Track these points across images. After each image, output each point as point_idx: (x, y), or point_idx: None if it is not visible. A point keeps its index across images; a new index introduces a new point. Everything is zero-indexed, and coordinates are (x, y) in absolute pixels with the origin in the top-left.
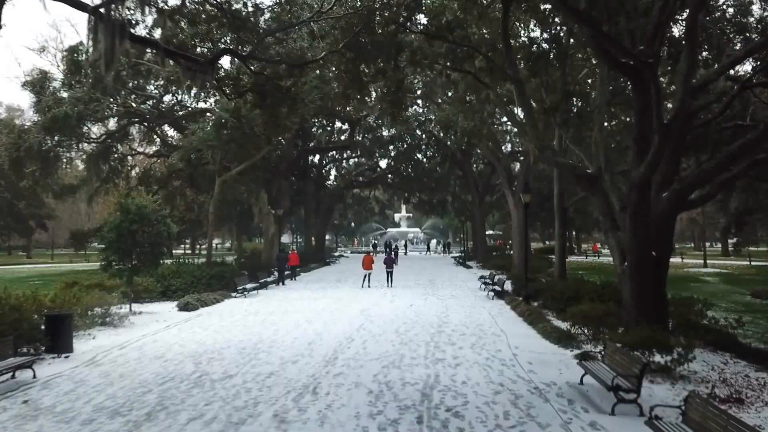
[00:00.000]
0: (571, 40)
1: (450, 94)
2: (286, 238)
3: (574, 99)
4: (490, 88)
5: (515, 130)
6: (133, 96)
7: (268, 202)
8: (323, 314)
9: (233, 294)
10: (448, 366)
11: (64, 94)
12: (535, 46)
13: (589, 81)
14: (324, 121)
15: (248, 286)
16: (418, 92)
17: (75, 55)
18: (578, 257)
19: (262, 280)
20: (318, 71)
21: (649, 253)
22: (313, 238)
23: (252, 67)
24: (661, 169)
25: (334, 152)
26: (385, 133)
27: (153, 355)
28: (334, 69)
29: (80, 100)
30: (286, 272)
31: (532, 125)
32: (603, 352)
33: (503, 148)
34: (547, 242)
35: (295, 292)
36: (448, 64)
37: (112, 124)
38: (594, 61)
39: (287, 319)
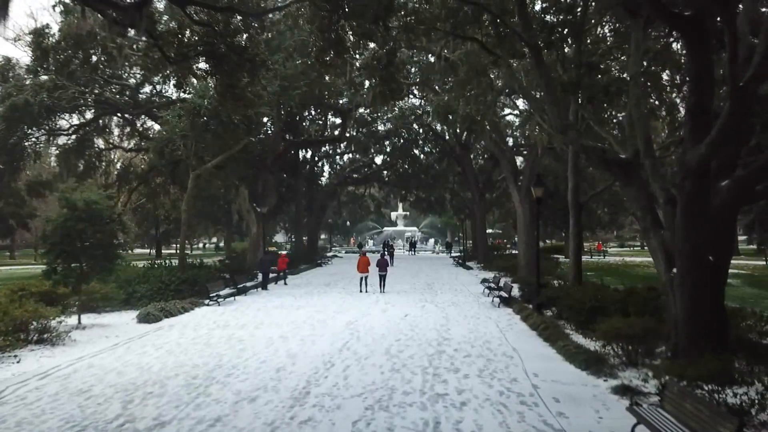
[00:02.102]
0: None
1: (450, 82)
2: (280, 238)
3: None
4: (500, 59)
5: (516, 123)
6: (104, 84)
7: (252, 198)
8: (303, 328)
9: (206, 302)
10: (452, 405)
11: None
12: (548, 15)
13: (601, 66)
14: (314, 113)
15: (223, 292)
16: (415, 78)
17: (41, 38)
18: (583, 257)
19: (241, 285)
20: (308, 61)
21: (706, 257)
22: (305, 238)
23: (198, 19)
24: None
25: (328, 147)
26: (380, 127)
27: (77, 389)
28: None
29: (43, 87)
30: (272, 275)
31: (552, 101)
32: (663, 394)
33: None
34: (548, 241)
35: (277, 298)
36: (449, 30)
37: (88, 115)
38: (609, 38)
39: (259, 334)
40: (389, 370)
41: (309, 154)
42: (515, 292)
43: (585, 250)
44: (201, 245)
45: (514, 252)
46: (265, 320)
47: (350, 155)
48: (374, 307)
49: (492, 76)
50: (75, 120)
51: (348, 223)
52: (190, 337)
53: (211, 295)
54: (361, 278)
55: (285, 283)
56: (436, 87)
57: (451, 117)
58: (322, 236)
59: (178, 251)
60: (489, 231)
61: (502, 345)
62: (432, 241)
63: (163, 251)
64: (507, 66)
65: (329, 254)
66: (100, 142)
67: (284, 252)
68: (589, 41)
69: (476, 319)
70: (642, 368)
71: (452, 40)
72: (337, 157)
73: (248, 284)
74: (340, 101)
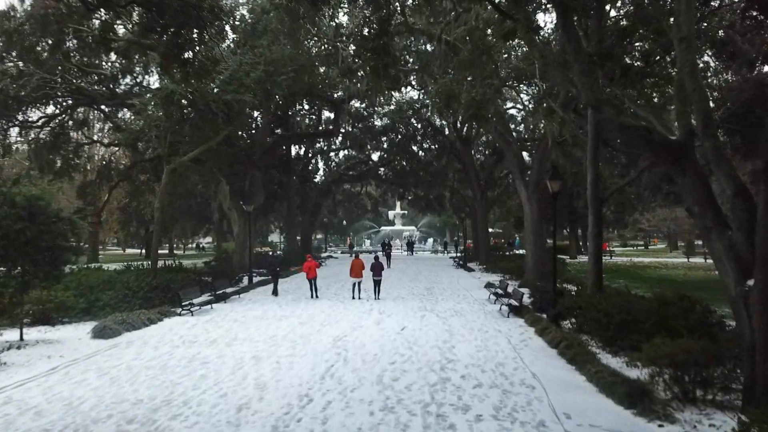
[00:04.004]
0: None
1: (451, 70)
2: (275, 237)
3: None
4: (516, 21)
5: (520, 116)
6: (80, 73)
7: (239, 195)
8: (281, 346)
9: (179, 311)
10: None
11: None
12: None
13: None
14: (307, 107)
15: (198, 299)
16: (414, 66)
17: (4, 21)
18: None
19: (221, 291)
20: (300, 51)
21: None
22: (298, 238)
23: None
24: None
25: (322, 143)
26: (377, 122)
27: None
28: None
29: (6, 73)
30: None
31: (583, 70)
32: None
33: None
34: (550, 240)
35: (259, 306)
36: None
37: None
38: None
39: (228, 354)
40: (380, 409)
41: (302, 151)
42: (525, 299)
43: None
44: (194, 245)
45: (516, 252)
46: (239, 334)
47: (346, 152)
48: (367, 317)
49: (497, 61)
50: (50, 112)
51: (344, 222)
52: (147, 357)
53: (183, 303)
54: (354, 283)
55: (317, 296)
56: (436, 78)
57: (452, 106)
58: (318, 236)
59: (170, 251)
60: (489, 230)
61: (519, 369)
62: (431, 240)
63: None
64: (526, 31)
65: (324, 255)
66: (81, 137)
67: (277, 252)
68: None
69: (484, 332)
70: (705, 407)
71: (455, 19)
72: (332, 153)
73: (228, 290)
74: (335, 95)
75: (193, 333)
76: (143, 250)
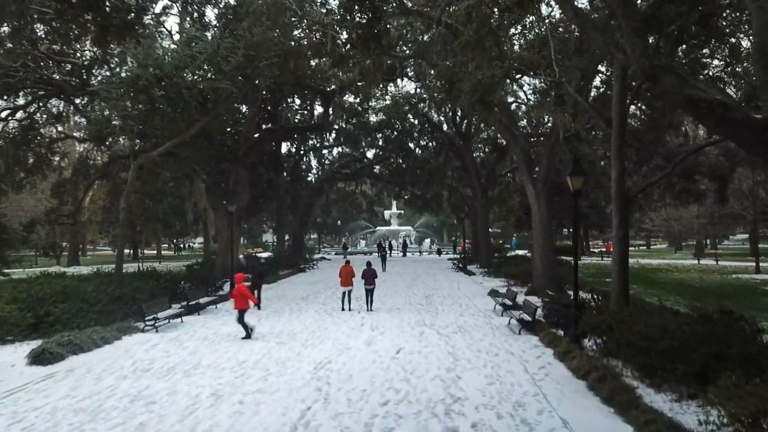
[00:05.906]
0: None
1: (451, 57)
2: (269, 237)
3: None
4: None
5: (520, 113)
6: (51, 62)
7: (223, 194)
8: (251, 377)
9: (143, 326)
10: None
11: None
12: None
13: None
14: (298, 103)
15: (165, 313)
16: (408, 53)
17: None
18: (592, 258)
19: (194, 302)
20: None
21: None
22: (288, 237)
23: None
24: None
25: (315, 140)
26: (372, 118)
27: None
28: None
29: None
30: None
31: (634, 29)
32: None
33: None
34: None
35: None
36: None
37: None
38: None
39: (183, 389)
40: None
41: (294, 148)
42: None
43: (595, 252)
44: (188, 245)
45: (516, 253)
46: (203, 359)
47: (339, 149)
48: (357, 335)
49: (502, 41)
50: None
51: (339, 222)
52: (82, 394)
53: (147, 318)
54: (344, 293)
55: (248, 334)
56: (435, 65)
57: (454, 93)
58: (313, 236)
59: (158, 253)
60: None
61: (544, 413)
62: (428, 241)
63: (146, 252)
64: None
65: (316, 256)
66: (54, 131)
67: (265, 254)
68: None
69: (494, 356)
70: None
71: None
72: (325, 150)
73: (204, 300)
74: (327, 89)
75: (150, 357)
76: (131, 251)
